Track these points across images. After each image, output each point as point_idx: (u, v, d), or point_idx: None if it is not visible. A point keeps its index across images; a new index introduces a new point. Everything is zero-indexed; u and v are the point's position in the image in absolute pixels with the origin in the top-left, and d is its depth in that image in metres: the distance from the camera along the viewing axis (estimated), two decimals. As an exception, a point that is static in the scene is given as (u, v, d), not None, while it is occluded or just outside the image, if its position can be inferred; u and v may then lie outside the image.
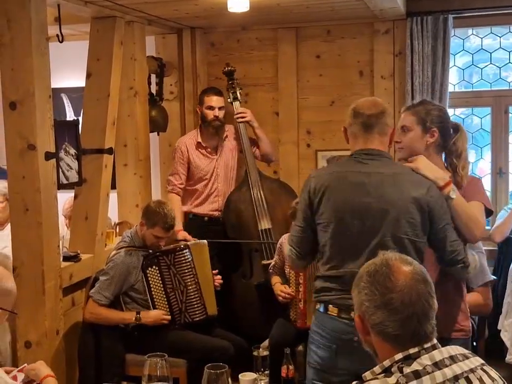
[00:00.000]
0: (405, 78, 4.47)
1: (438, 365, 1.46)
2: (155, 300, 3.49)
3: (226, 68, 4.50)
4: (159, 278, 3.51)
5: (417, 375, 1.44)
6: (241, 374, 2.56)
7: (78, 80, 4.60)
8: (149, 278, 3.50)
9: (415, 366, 1.46)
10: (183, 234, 4.14)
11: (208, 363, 2.17)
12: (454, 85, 4.72)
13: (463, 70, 4.73)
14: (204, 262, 3.63)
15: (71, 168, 3.57)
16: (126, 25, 4.04)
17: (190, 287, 3.54)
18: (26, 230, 3.15)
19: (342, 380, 2.34)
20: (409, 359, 1.47)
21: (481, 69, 4.68)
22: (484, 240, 3.79)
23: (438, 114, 2.53)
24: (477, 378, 1.48)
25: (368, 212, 2.28)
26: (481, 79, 4.70)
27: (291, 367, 2.68)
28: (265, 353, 2.70)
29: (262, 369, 2.66)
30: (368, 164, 2.34)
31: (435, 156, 2.52)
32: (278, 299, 3.58)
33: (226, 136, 4.46)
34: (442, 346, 1.52)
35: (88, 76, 3.83)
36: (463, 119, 4.74)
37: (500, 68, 4.64)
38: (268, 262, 4.04)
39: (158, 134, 4.75)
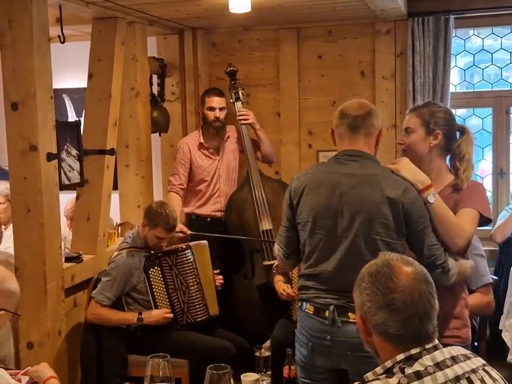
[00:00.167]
0: (406, 79, 4.47)
1: (439, 366, 1.46)
2: (157, 300, 3.49)
3: (229, 68, 4.50)
4: (161, 279, 3.52)
5: (418, 375, 1.44)
6: (243, 374, 2.56)
7: (79, 81, 4.60)
8: (151, 279, 3.50)
9: (417, 366, 1.46)
10: (179, 226, 4.14)
11: (210, 363, 2.18)
12: (455, 86, 4.72)
13: (464, 70, 4.73)
14: (205, 262, 3.64)
15: (73, 169, 3.57)
16: (128, 25, 4.05)
17: (192, 288, 3.55)
18: (28, 231, 3.16)
19: (324, 377, 2.40)
20: (410, 360, 1.47)
21: (483, 69, 4.68)
22: (484, 241, 3.80)
23: (442, 117, 2.49)
24: (479, 378, 1.49)
25: (341, 212, 2.31)
26: (483, 79, 4.70)
27: (293, 367, 2.68)
28: (267, 353, 2.70)
29: (264, 370, 2.66)
30: (347, 165, 2.37)
31: (438, 159, 2.50)
32: (280, 296, 3.58)
33: (228, 137, 4.46)
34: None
35: (90, 76, 3.84)
36: (464, 119, 4.74)
37: (501, 68, 4.64)
38: (270, 263, 4.04)
39: (160, 135, 4.75)
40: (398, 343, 1.50)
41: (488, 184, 4.56)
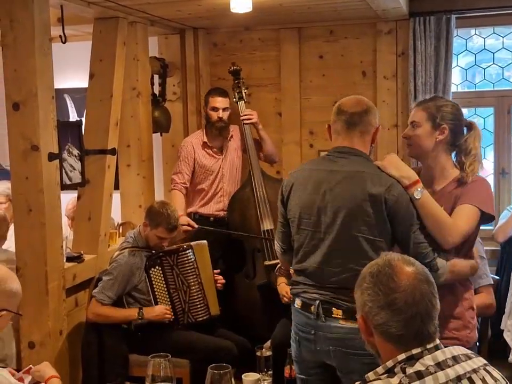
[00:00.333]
0: (408, 78, 4.47)
1: (440, 366, 1.46)
2: (158, 300, 3.50)
3: (232, 67, 4.50)
4: (162, 278, 3.52)
5: (420, 375, 1.44)
6: (245, 374, 2.56)
7: (81, 81, 4.61)
8: (152, 279, 3.50)
9: (418, 366, 1.46)
10: (185, 219, 4.18)
11: (212, 363, 2.18)
12: (457, 85, 4.72)
13: (465, 70, 4.73)
14: (206, 262, 3.64)
15: (74, 169, 3.57)
16: (129, 25, 4.05)
17: (193, 287, 3.55)
18: (29, 231, 3.16)
19: (316, 372, 2.43)
20: (412, 360, 1.47)
21: (484, 69, 4.67)
22: (486, 241, 3.80)
23: (450, 111, 2.43)
24: (480, 378, 1.49)
25: (324, 209, 2.32)
26: (484, 79, 4.69)
27: (293, 367, 2.68)
28: (268, 353, 2.70)
29: (265, 370, 2.66)
30: (336, 162, 2.38)
31: (444, 154, 2.45)
32: (282, 299, 3.58)
33: (232, 136, 4.46)
34: None
35: (91, 76, 3.84)
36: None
37: (502, 68, 4.63)
38: (271, 262, 4.04)
39: (161, 135, 4.75)
40: (399, 343, 1.50)
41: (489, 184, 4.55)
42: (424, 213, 2.28)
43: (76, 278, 3.54)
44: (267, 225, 4.23)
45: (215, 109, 4.33)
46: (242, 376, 2.55)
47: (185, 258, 3.56)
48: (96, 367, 3.43)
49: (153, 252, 3.55)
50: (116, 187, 4.09)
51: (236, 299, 4.23)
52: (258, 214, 4.26)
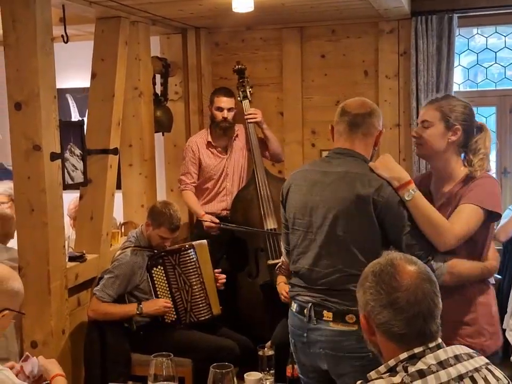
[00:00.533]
0: (410, 78, 4.47)
1: (442, 364, 1.46)
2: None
3: (237, 66, 4.50)
4: (164, 278, 3.52)
5: (421, 374, 1.44)
6: (247, 373, 2.56)
7: (83, 81, 4.61)
8: (154, 278, 3.51)
9: (420, 365, 1.46)
10: (208, 216, 4.22)
11: (214, 363, 2.17)
12: (459, 85, 4.72)
13: (467, 69, 4.73)
14: (206, 261, 3.64)
15: (76, 169, 3.58)
16: (131, 25, 4.05)
17: (195, 287, 3.55)
18: (31, 231, 3.16)
19: (314, 376, 2.44)
20: (414, 358, 1.47)
21: (486, 68, 4.67)
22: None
23: (463, 112, 2.36)
24: (482, 377, 1.49)
25: (315, 210, 2.33)
26: (486, 78, 4.69)
27: (296, 366, 2.68)
28: (271, 352, 2.69)
29: (267, 369, 2.66)
30: (331, 163, 2.38)
31: (454, 156, 2.38)
32: (281, 298, 3.58)
33: (237, 136, 4.46)
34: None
35: (93, 76, 3.84)
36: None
37: (504, 67, 4.63)
38: (274, 262, 4.04)
39: (163, 134, 4.75)
40: (402, 342, 1.50)
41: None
42: (416, 214, 2.23)
43: (78, 277, 3.54)
44: (270, 224, 4.22)
45: (220, 109, 4.33)
46: (245, 375, 2.55)
47: (187, 258, 3.56)
48: (98, 366, 3.43)
49: (155, 251, 3.55)
50: (118, 187, 4.09)
51: (238, 298, 4.23)
52: (262, 213, 4.26)
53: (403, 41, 4.55)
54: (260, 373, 2.60)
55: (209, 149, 4.40)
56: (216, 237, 4.18)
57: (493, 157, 4.64)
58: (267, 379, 2.63)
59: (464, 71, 4.73)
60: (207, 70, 4.91)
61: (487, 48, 4.64)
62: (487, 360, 1.55)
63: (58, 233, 3.26)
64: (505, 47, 4.60)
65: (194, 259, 3.57)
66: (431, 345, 1.50)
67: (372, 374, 1.52)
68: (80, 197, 3.83)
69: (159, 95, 4.63)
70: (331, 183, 2.32)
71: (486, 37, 4.64)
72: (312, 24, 4.71)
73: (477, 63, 4.69)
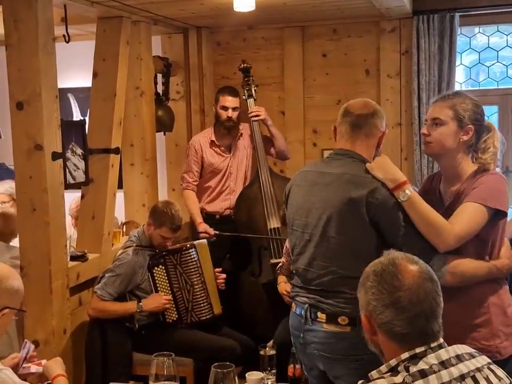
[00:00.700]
0: (412, 77, 4.46)
1: (444, 364, 1.46)
2: (162, 299, 3.50)
3: (242, 65, 4.50)
4: (166, 278, 3.52)
5: (423, 374, 1.44)
6: (248, 373, 2.56)
7: (84, 80, 4.61)
8: (155, 277, 3.51)
9: (422, 365, 1.46)
10: (204, 226, 4.21)
11: (215, 362, 2.17)
12: (461, 84, 4.71)
13: (469, 68, 4.72)
14: (207, 260, 3.64)
15: (78, 168, 3.58)
16: (132, 25, 4.05)
17: (197, 286, 3.55)
18: (33, 230, 3.17)
19: (314, 374, 2.43)
20: (415, 358, 1.47)
21: (488, 67, 4.67)
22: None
23: (476, 111, 2.31)
24: (484, 377, 1.48)
25: (311, 211, 2.33)
26: (488, 77, 4.68)
27: (297, 366, 2.68)
28: (272, 352, 2.69)
29: (269, 368, 2.66)
30: (329, 164, 2.38)
31: (464, 155, 2.32)
32: (283, 298, 3.58)
33: (241, 135, 4.46)
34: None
35: (95, 75, 3.84)
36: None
37: (506, 66, 4.62)
38: (276, 261, 4.03)
39: (164, 134, 4.75)
40: (403, 342, 1.49)
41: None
42: (413, 215, 2.19)
43: (79, 277, 3.55)
44: (273, 223, 4.22)
45: (225, 108, 4.32)
46: (246, 375, 2.55)
47: (189, 257, 3.56)
48: (99, 365, 3.43)
49: (157, 251, 3.55)
50: (120, 186, 4.10)
51: (241, 297, 4.24)
52: (265, 212, 4.25)
53: (405, 40, 4.55)
54: (261, 373, 2.60)
55: (213, 148, 4.40)
56: (218, 237, 4.19)
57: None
58: (268, 379, 2.63)
59: (466, 70, 4.73)
60: (209, 69, 4.91)
61: (489, 47, 4.63)
62: (489, 360, 1.55)
63: (60, 233, 3.26)
64: (507, 45, 4.60)
65: (196, 258, 3.57)
66: (432, 345, 1.49)
67: (373, 373, 1.51)
68: (82, 197, 3.83)
69: (161, 94, 4.63)
70: (328, 184, 2.31)
71: (488, 36, 4.63)
72: (314, 24, 4.71)
73: (479, 62, 4.68)
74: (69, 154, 3.48)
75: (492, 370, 1.52)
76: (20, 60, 3.07)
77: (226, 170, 4.40)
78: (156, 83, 4.53)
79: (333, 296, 2.26)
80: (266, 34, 4.85)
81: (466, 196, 2.25)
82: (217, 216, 4.41)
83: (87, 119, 3.92)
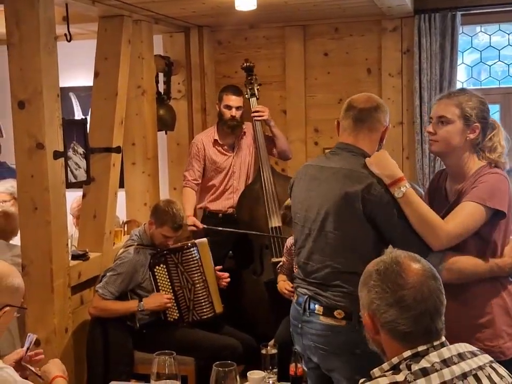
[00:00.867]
0: (413, 76, 4.46)
1: (446, 362, 1.46)
2: (163, 298, 3.50)
3: (245, 64, 4.50)
4: (167, 276, 3.52)
5: (425, 372, 1.44)
6: (250, 372, 2.55)
7: (86, 79, 4.61)
8: (157, 276, 3.51)
9: (423, 363, 1.46)
10: (192, 219, 4.22)
11: (217, 361, 2.17)
12: (462, 83, 4.70)
13: (471, 67, 4.72)
14: (208, 259, 3.64)
15: (79, 167, 3.58)
16: (134, 24, 4.05)
17: (198, 285, 3.55)
18: (35, 229, 3.17)
19: (311, 366, 2.45)
20: (417, 356, 1.47)
21: (490, 66, 4.66)
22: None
23: (482, 109, 2.29)
24: (486, 375, 1.48)
25: (310, 205, 2.35)
26: (490, 76, 4.68)
27: (299, 365, 2.68)
28: (274, 351, 2.69)
29: (271, 367, 2.66)
30: (329, 158, 2.39)
31: (470, 153, 2.30)
32: (284, 296, 3.58)
33: (244, 133, 4.46)
34: None
35: (96, 74, 3.84)
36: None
37: (508, 65, 4.62)
38: (278, 259, 4.03)
39: (166, 133, 4.75)
40: (407, 340, 1.49)
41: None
42: (408, 212, 2.18)
43: (81, 276, 3.55)
44: (275, 222, 4.22)
45: (228, 107, 4.32)
46: (248, 374, 2.55)
47: (190, 256, 3.56)
48: (101, 364, 3.43)
49: (158, 249, 3.55)
50: (121, 185, 4.10)
51: (243, 296, 4.24)
52: (267, 210, 4.26)
53: (406, 39, 4.55)
54: (263, 372, 2.59)
55: (216, 146, 4.40)
56: (221, 235, 4.19)
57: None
58: (270, 378, 2.62)
59: (468, 69, 4.72)
60: (210, 68, 4.91)
61: (490, 46, 4.63)
62: (491, 358, 1.55)
63: (61, 232, 3.27)
64: (508, 44, 4.59)
65: (197, 257, 3.57)
66: (435, 343, 1.49)
67: (375, 371, 1.51)
68: (83, 196, 3.83)
69: (162, 93, 4.63)
70: (326, 179, 2.32)
71: (490, 35, 4.62)
72: (315, 22, 4.71)
73: (481, 61, 4.68)
74: (70, 153, 3.48)
75: (494, 369, 1.51)
76: (21, 59, 3.07)
77: (229, 169, 4.41)
78: (157, 82, 4.53)
79: (330, 289, 2.28)
80: (268, 33, 4.85)
81: (467, 194, 2.24)
82: (220, 214, 4.41)
83: (88, 118, 3.93)
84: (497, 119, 4.56)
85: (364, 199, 2.19)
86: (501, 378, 1.50)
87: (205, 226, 4.21)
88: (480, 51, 4.66)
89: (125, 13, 3.84)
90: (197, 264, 3.57)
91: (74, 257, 3.55)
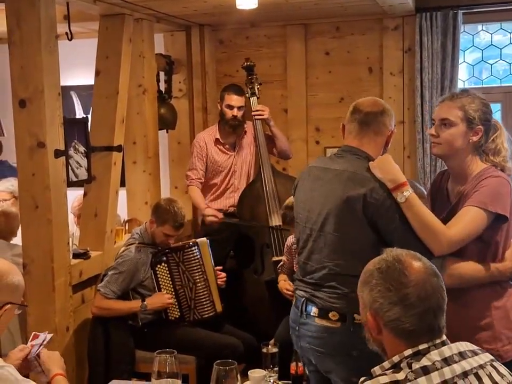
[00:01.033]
0: (414, 75, 4.46)
1: (447, 361, 1.46)
2: (164, 296, 3.50)
3: (246, 63, 4.49)
4: (168, 275, 3.52)
5: (426, 370, 1.44)
6: (251, 370, 2.55)
7: (87, 78, 4.61)
8: (158, 275, 3.51)
9: (424, 361, 1.46)
10: (211, 210, 4.24)
11: (218, 360, 2.17)
12: (464, 81, 4.70)
13: (472, 66, 4.71)
14: (209, 258, 3.64)
15: (81, 166, 3.58)
16: (135, 22, 4.05)
17: (199, 284, 3.55)
18: (36, 228, 3.17)
19: (311, 369, 2.45)
20: (418, 355, 1.47)
21: (491, 65, 4.65)
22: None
23: (485, 111, 2.28)
24: (486, 374, 1.48)
25: (311, 206, 2.36)
26: (491, 75, 4.67)
27: (300, 364, 2.68)
28: (274, 350, 2.69)
29: (271, 366, 2.66)
30: (333, 160, 2.39)
31: (472, 155, 2.30)
32: (284, 296, 3.58)
33: (245, 132, 4.46)
34: None
35: (97, 73, 3.84)
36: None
37: (510, 63, 4.61)
38: (278, 258, 4.04)
39: (167, 132, 4.75)
40: (410, 338, 1.49)
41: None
42: (410, 217, 2.18)
43: (82, 274, 3.55)
44: (275, 221, 4.22)
45: (230, 107, 4.31)
46: (249, 372, 2.54)
47: (191, 255, 3.56)
48: (102, 363, 3.43)
49: (159, 248, 3.55)
50: (122, 184, 4.09)
51: (244, 295, 4.24)
52: (268, 209, 4.26)
53: (407, 38, 4.54)
54: (263, 370, 2.59)
55: (217, 145, 4.40)
56: (222, 234, 4.19)
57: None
58: (271, 376, 2.62)
59: (469, 67, 4.72)
60: (211, 67, 4.91)
61: (492, 44, 4.62)
62: (491, 357, 1.55)
63: (62, 230, 3.27)
64: (510, 43, 4.58)
65: (198, 256, 3.57)
66: (436, 341, 1.49)
67: (376, 369, 1.51)
68: (84, 194, 3.83)
69: (163, 92, 4.63)
70: (328, 180, 2.32)
71: (491, 34, 4.62)
72: (317, 21, 4.71)
73: (482, 60, 4.67)
74: (71, 152, 3.48)
75: (495, 368, 1.51)
76: (22, 58, 3.07)
77: (230, 168, 4.41)
78: (158, 81, 4.53)
79: (325, 291, 2.28)
80: (269, 32, 4.85)
81: (468, 197, 2.23)
82: (221, 214, 4.41)
83: (89, 116, 3.92)
84: (498, 118, 4.57)
85: (366, 202, 2.20)
86: (502, 377, 1.50)
87: (223, 217, 4.19)
88: (482, 50, 4.66)
89: (126, 11, 3.84)
90: (198, 263, 3.57)
91: (76, 256, 3.55)
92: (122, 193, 4.18)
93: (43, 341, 2.27)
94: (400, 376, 1.44)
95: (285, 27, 4.79)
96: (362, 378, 1.51)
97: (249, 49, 4.87)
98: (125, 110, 3.92)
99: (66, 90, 4.85)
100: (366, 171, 2.26)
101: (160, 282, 3.51)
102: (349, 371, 2.19)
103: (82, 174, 3.60)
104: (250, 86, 4.45)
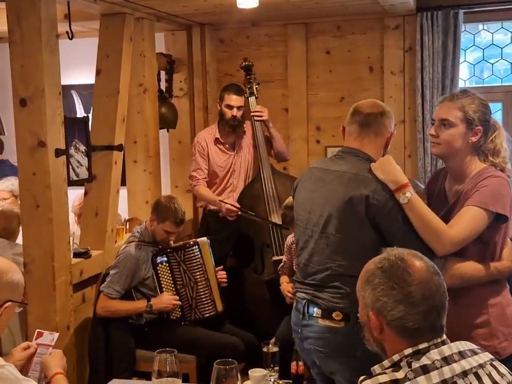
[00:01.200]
0: (415, 74, 4.45)
1: (447, 360, 1.46)
2: (165, 296, 3.50)
3: (244, 63, 4.48)
4: (169, 275, 3.52)
5: (425, 369, 1.44)
6: (251, 370, 2.55)
7: (88, 77, 4.61)
8: (160, 275, 3.51)
9: (424, 360, 1.46)
10: (229, 201, 4.18)
11: (218, 359, 2.17)
12: (465, 81, 4.70)
13: (473, 65, 4.71)
14: (209, 258, 3.64)
15: (81, 165, 3.58)
16: (136, 22, 4.05)
17: (200, 284, 3.55)
18: (36, 227, 3.17)
19: (316, 372, 2.45)
20: (418, 354, 1.47)
21: (492, 64, 4.65)
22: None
23: (485, 112, 2.29)
24: (486, 374, 1.48)
25: (313, 207, 2.35)
26: (492, 74, 4.67)
27: (300, 363, 2.68)
28: (275, 349, 2.69)
29: (272, 365, 2.66)
30: (334, 161, 2.39)
31: (471, 155, 2.31)
32: (285, 299, 3.58)
33: (245, 132, 4.45)
34: None
35: (98, 72, 3.84)
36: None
37: (510, 63, 4.61)
38: (278, 258, 4.04)
39: (168, 131, 4.76)
40: (413, 337, 1.49)
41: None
42: (412, 218, 2.19)
43: (83, 273, 3.55)
44: (275, 220, 4.22)
45: (229, 107, 4.30)
46: (249, 372, 2.55)
47: (192, 255, 3.56)
48: (103, 362, 3.44)
49: (160, 247, 3.55)
50: (123, 183, 4.10)
51: (244, 294, 4.24)
52: (267, 209, 4.26)
53: (408, 37, 4.54)
54: (264, 370, 2.60)
55: (217, 145, 4.40)
56: (222, 234, 4.19)
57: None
58: (271, 375, 2.63)
59: (470, 67, 4.72)
60: (212, 66, 4.91)
61: (493, 44, 4.62)
62: (491, 356, 1.55)
63: (63, 229, 3.27)
64: (511, 42, 4.58)
65: (199, 256, 3.57)
66: (436, 341, 1.50)
67: (376, 368, 1.51)
68: (85, 193, 3.84)
69: (164, 91, 4.63)
70: (330, 182, 2.33)
71: (492, 33, 4.62)
72: (317, 20, 4.70)
73: (483, 59, 4.67)
74: (72, 151, 3.48)
75: (495, 367, 1.51)
76: (23, 57, 3.07)
77: (230, 167, 4.40)
78: (159, 80, 4.53)
79: (328, 291, 2.28)
80: (270, 31, 4.85)
81: (468, 197, 2.24)
82: (220, 213, 4.40)
83: (90, 116, 3.93)
84: (499, 117, 4.57)
85: (368, 203, 2.20)
86: (502, 377, 1.50)
87: (241, 208, 4.16)
88: (483, 49, 4.66)
89: (126, 10, 3.84)
90: (199, 263, 3.57)
91: (76, 255, 3.55)
92: (123, 192, 4.18)
93: (51, 342, 2.25)
94: (400, 375, 1.44)
95: (285, 26, 4.79)
96: (362, 377, 1.51)
97: (250, 48, 4.87)
98: (126, 109, 3.93)
99: (67, 89, 4.85)
100: (368, 172, 2.26)
101: (162, 282, 3.51)
102: (352, 371, 2.18)
103: (83, 173, 3.60)
104: (248, 86, 4.44)
